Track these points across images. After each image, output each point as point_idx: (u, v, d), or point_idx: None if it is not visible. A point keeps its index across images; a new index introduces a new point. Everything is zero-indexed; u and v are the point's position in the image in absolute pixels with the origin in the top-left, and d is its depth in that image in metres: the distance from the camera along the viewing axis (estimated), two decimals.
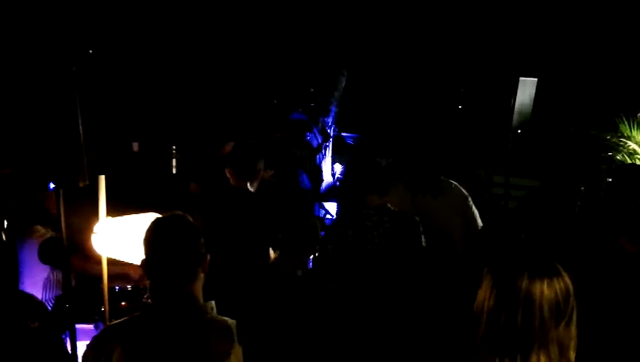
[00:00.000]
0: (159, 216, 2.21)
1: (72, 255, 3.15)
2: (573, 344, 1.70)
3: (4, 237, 4.04)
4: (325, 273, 3.36)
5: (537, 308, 1.66)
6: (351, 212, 3.48)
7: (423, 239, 3.44)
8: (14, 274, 3.93)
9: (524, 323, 1.66)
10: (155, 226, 2.11)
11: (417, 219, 3.45)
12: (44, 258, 3.82)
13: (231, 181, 3.96)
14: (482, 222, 4.14)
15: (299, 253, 3.26)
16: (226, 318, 2.08)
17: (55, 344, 2.89)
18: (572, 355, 1.70)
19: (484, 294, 1.72)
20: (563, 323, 1.68)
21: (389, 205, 3.46)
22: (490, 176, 6.38)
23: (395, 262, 3.33)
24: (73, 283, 3.87)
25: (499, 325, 1.67)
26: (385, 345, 3.21)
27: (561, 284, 1.69)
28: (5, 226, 4.18)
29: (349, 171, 3.93)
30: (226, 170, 3.97)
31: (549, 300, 1.67)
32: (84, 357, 2.07)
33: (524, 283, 1.67)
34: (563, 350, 1.69)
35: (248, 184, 3.93)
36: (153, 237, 2.09)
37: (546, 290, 1.67)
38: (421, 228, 3.43)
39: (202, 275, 2.10)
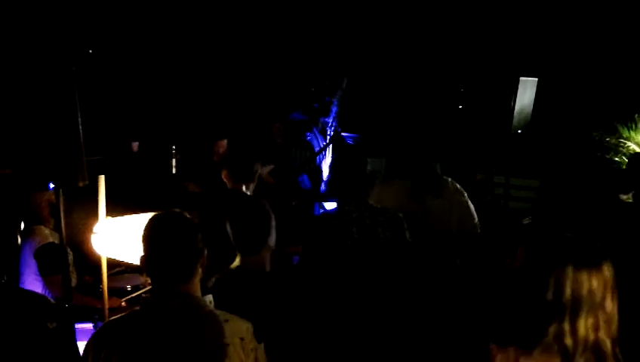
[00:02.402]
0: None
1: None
2: (616, 318, 1.73)
3: (19, 239, 4.04)
4: (308, 270, 3.38)
5: (586, 282, 1.71)
6: (333, 209, 3.52)
7: (407, 235, 3.46)
8: (16, 275, 3.94)
9: (573, 294, 1.70)
10: (152, 223, 2.12)
11: (401, 215, 3.49)
12: (43, 269, 3.83)
13: (227, 184, 3.95)
14: (482, 220, 4.18)
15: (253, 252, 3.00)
16: (225, 312, 2.10)
17: (70, 342, 2.90)
18: (615, 328, 1.73)
19: (527, 274, 1.75)
20: (610, 296, 1.72)
21: (371, 202, 3.50)
22: (491, 178, 6.38)
23: (375, 257, 3.36)
24: (73, 282, 3.88)
25: (545, 298, 1.70)
26: (372, 342, 3.21)
27: (607, 269, 1.73)
28: (15, 227, 4.19)
29: (333, 170, 3.95)
30: (222, 173, 3.96)
31: (597, 279, 1.72)
32: (84, 352, 2.09)
33: (570, 271, 1.71)
34: (609, 321, 1.72)
35: (244, 186, 3.92)
36: (151, 234, 2.10)
37: (594, 275, 1.71)
38: (405, 225, 3.47)
39: (201, 270, 2.12)
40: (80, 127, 2.82)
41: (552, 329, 1.69)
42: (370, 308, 3.29)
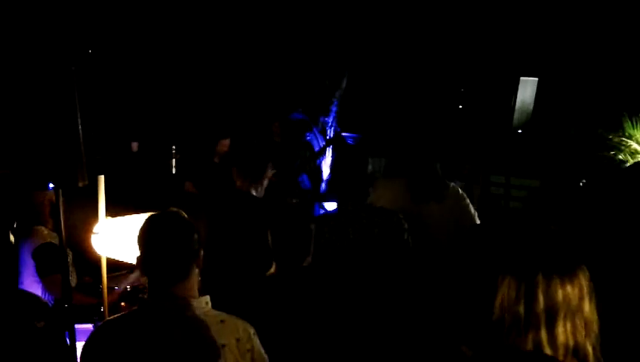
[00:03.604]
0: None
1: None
2: (596, 320, 1.72)
3: (11, 238, 4.04)
4: (309, 270, 3.37)
5: (560, 290, 1.68)
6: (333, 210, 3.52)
7: (406, 235, 3.44)
8: (15, 274, 3.93)
9: (547, 302, 1.67)
10: (148, 223, 2.12)
11: (400, 216, 3.47)
12: (41, 269, 3.82)
13: (237, 182, 3.91)
14: (481, 220, 4.16)
15: (297, 261, 3.10)
16: (222, 313, 2.09)
17: (60, 343, 2.90)
18: (595, 330, 1.72)
19: (502, 291, 1.73)
20: (587, 299, 1.70)
21: (370, 202, 3.48)
22: (483, 175, 6.37)
23: (369, 256, 3.34)
24: (73, 283, 3.88)
25: (519, 311, 1.68)
26: (366, 341, 3.20)
27: (581, 273, 1.72)
28: (9, 226, 4.19)
29: (334, 170, 3.92)
30: (234, 172, 3.91)
31: (572, 284, 1.70)
32: (82, 352, 2.09)
33: (540, 280, 1.69)
34: (588, 324, 1.70)
35: (254, 185, 3.87)
36: (147, 234, 2.10)
37: (567, 281, 1.69)
38: (405, 225, 3.45)
39: (197, 271, 2.11)
40: (80, 127, 2.82)
41: (529, 341, 1.67)
42: (364, 308, 3.28)
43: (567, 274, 1.69)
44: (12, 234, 4.11)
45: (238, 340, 2.04)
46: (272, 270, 2.99)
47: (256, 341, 2.09)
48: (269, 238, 2.84)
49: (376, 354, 3.21)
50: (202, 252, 2.13)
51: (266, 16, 8.66)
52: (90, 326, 3.58)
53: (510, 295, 1.70)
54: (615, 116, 7.16)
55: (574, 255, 1.74)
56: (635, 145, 6.73)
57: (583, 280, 1.71)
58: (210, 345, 2.00)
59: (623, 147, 6.78)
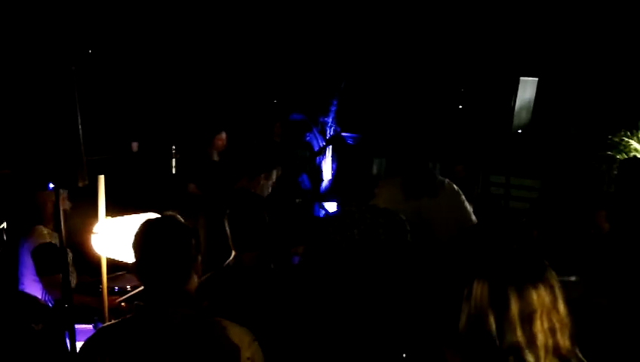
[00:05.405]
0: (155, 216, 2.18)
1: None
2: (570, 321, 1.73)
3: (4, 236, 4.04)
4: (310, 271, 3.36)
5: (533, 293, 1.71)
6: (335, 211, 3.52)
7: (409, 237, 3.44)
8: (15, 275, 3.93)
9: (521, 307, 1.69)
10: (144, 229, 2.06)
11: (403, 217, 3.47)
12: (40, 269, 3.82)
13: (238, 181, 3.92)
14: (478, 218, 4.18)
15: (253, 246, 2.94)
16: (222, 319, 2.05)
17: (58, 345, 2.89)
18: (571, 330, 1.73)
19: (471, 303, 1.75)
20: (560, 300, 1.72)
21: (374, 203, 3.49)
22: (483, 175, 6.37)
23: (375, 258, 3.34)
24: (73, 283, 3.88)
25: (489, 320, 1.69)
26: (369, 343, 3.20)
27: (551, 277, 1.73)
28: (8, 226, 4.19)
29: (338, 170, 3.93)
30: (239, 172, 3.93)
31: (544, 286, 1.73)
32: (77, 359, 2.05)
33: (512, 290, 1.71)
34: (564, 323, 1.72)
35: (253, 183, 3.89)
36: (143, 240, 2.04)
37: (539, 285, 1.72)
38: (408, 226, 3.44)
39: (195, 276, 2.06)
40: (80, 127, 2.82)
41: (506, 345, 1.67)
42: (368, 309, 3.28)
43: (539, 279, 1.71)
44: (5, 233, 4.11)
45: (240, 348, 2.01)
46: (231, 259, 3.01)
47: (255, 347, 2.05)
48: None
49: (377, 355, 3.21)
50: (200, 257, 2.08)
51: (267, 17, 8.67)
52: (90, 326, 3.58)
53: (481, 304, 1.71)
54: (615, 116, 7.17)
55: (544, 259, 1.76)
56: (635, 145, 6.73)
57: (554, 282, 1.72)
58: (226, 353, 1.97)
59: (622, 147, 6.78)
